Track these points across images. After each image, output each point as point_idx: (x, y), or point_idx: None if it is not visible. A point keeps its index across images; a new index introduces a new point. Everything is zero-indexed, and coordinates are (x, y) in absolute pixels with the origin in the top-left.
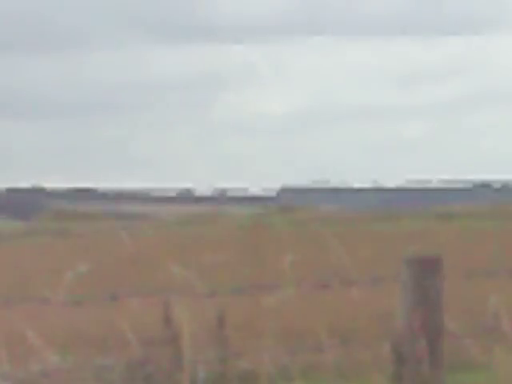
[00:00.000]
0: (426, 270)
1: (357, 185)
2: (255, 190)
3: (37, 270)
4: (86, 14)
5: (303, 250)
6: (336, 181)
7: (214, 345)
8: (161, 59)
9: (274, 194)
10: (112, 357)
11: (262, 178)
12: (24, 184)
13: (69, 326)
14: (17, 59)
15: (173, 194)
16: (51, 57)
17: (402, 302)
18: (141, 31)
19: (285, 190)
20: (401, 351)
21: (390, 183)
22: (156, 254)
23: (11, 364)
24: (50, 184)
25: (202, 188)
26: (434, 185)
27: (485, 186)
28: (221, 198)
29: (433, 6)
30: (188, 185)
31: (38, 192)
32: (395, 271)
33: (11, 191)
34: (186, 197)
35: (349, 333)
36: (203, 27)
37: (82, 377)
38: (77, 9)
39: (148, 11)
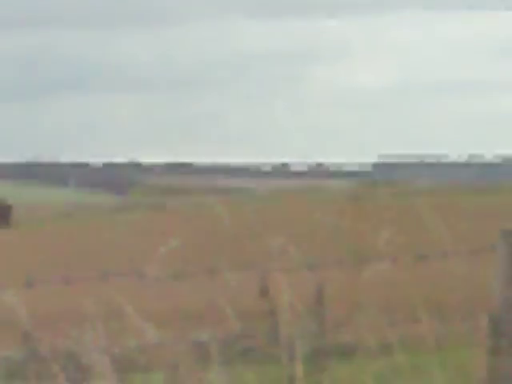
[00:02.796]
0: None
1: (452, 159)
2: (351, 164)
3: (133, 244)
4: None
5: (401, 223)
6: (431, 155)
7: (313, 318)
8: (255, 34)
9: (369, 168)
10: (209, 331)
11: (357, 152)
12: (120, 159)
13: (166, 300)
14: (114, 35)
15: (269, 169)
16: (146, 32)
17: (498, 274)
18: (235, 6)
19: (380, 165)
20: (498, 324)
21: (486, 157)
22: (254, 228)
23: (108, 339)
24: (145, 159)
25: (298, 163)
26: None
27: None
28: (317, 173)
29: None
30: (284, 159)
31: (133, 167)
32: (492, 244)
33: (107, 166)
34: (282, 171)
35: (446, 305)
36: (296, 2)
37: (178, 351)
38: None
39: None
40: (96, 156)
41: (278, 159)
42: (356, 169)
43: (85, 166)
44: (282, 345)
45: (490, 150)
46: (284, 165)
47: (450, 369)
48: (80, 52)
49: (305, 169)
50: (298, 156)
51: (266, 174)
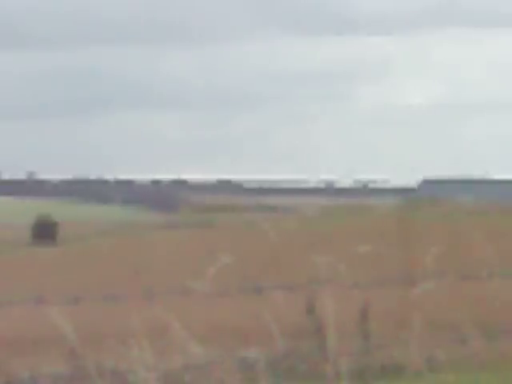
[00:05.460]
0: None
1: (498, 177)
2: (396, 181)
3: (180, 262)
4: (224, 6)
5: (447, 242)
6: (477, 173)
7: (358, 336)
8: (299, 51)
9: (415, 185)
10: (256, 349)
11: (403, 169)
12: (166, 176)
13: (212, 318)
14: (159, 52)
15: (314, 186)
16: (191, 50)
17: None
18: (279, 24)
19: (426, 182)
20: None
21: None
22: (299, 246)
23: (155, 356)
24: (191, 176)
25: (343, 180)
26: None
27: None
28: (362, 190)
29: None
30: (329, 177)
31: (180, 184)
32: None
33: (154, 183)
34: (327, 189)
35: (493, 325)
36: (340, 19)
37: (225, 369)
38: (216, 2)
39: (285, 4)
40: (142, 173)
41: (323, 177)
42: (401, 186)
43: (131, 183)
44: (328, 363)
45: None
46: (329, 182)
47: None
48: (126, 70)
49: (350, 186)
50: (344, 173)
51: (312, 192)
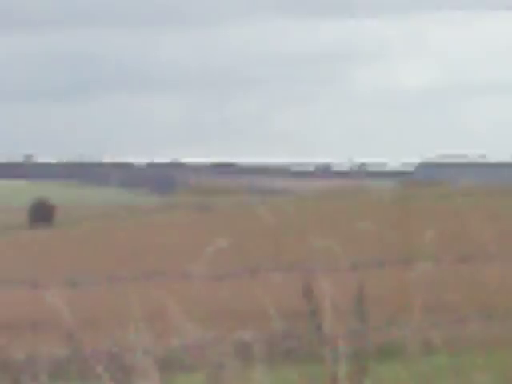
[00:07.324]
0: None
1: (494, 159)
2: (393, 164)
3: (177, 244)
4: None
5: (444, 224)
6: (474, 155)
7: (355, 318)
8: (295, 34)
9: (412, 168)
10: (252, 331)
11: (399, 152)
12: (163, 159)
13: (209, 301)
14: (154, 35)
15: (311, 169)
16: (185, 33)
17: None
18: (275, 6)
19: (423, 165)
20: None
21: None
22: (297, 228)
23: (152, 339)
24: (188, 159)
25: (341, 163)
26: None
27: None
28: (359, 173)
29: None
30: (326, 160)
31: (177, 167)
32: None
33: (150, 166)
34: (325, 172)
35: (490, 306)
36: (336, 2)
37: (222, 351)
38: None
39: None
40: (139, 156)
41: (319, 159)
42: (398, 169)
43: (127, 165)
44: (325, 345)
45: None
46: (326, 165)
47: (492, 370)
48: (122, 53)
49: (347, 169)
50: (340, 156)
51: (308, 175)
